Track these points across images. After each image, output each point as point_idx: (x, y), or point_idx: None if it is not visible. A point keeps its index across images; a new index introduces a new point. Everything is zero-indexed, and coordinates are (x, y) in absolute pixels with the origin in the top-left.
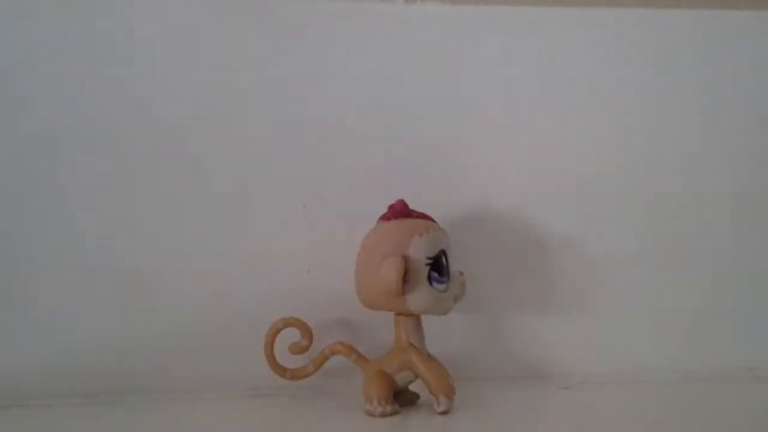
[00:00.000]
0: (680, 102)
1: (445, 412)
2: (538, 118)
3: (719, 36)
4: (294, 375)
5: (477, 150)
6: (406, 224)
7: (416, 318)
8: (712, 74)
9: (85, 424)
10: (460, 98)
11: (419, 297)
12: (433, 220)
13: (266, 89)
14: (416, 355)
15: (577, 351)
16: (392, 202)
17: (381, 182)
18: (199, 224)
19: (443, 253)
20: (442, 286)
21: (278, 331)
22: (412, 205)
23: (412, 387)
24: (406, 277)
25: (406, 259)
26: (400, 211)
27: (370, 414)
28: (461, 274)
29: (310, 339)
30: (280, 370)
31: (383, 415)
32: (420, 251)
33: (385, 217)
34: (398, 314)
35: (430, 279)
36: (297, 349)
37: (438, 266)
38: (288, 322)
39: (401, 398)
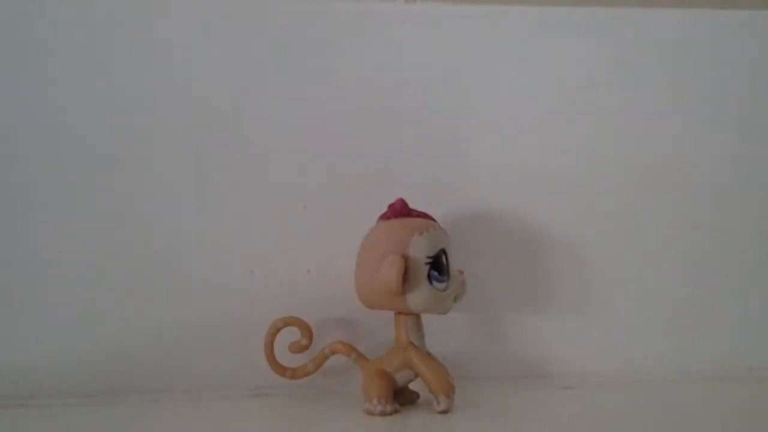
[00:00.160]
0: (680, 102)
1: (444, 411)
2: (538, 118)
3: (719, 36)
4: (294, 374)
5: (477, 150)
6: (406, 223)
7: (416, 317)
8: (712, 74)
9: (85, 424)
10: (460, 98)
11: (419, 296)
12: (433, 219)
13: (266, 89)
14: (416, 354)
15: (577, 351)
16: (392, 201)
17: (381, 182)
18: (199, 224)
19: (443, 252)
20: (442, 285)
21: (278, 330)
22: (412, 205)
23: (412, 386)
24: (406, 276)
25: (406, 258)
26: (400, 210)
27: (370, 413)
28: (461, 273)
29: (310, 338)
30: (280, 369)
31: (383, 414)
32: (420, 250)
33: (385, 216)
34: (398, 313)
35: (430, 278)
36: (297, 349)
37: (438, 265)
38: (288, 322)
39: (401, 397)
